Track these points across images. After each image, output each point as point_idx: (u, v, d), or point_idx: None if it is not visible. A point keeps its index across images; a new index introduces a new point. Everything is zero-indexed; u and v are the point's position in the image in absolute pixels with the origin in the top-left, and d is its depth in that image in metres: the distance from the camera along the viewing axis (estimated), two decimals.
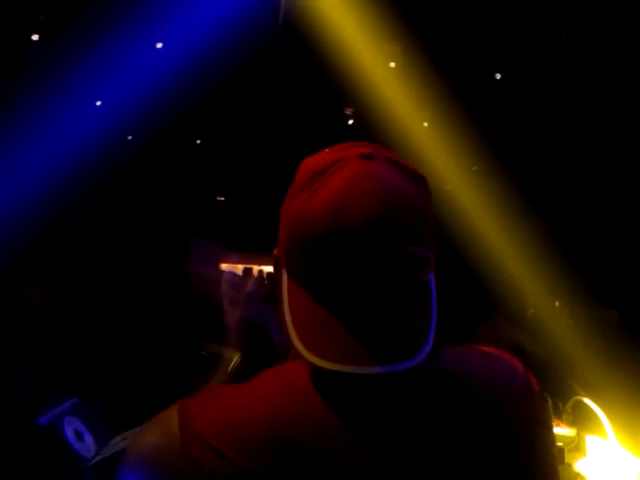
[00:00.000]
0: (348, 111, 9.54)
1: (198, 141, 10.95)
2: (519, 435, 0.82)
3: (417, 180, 0.81)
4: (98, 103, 8.23)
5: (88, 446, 1.82)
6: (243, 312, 1.03)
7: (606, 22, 6.04)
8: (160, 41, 7.71)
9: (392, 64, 7.92)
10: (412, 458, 0.72)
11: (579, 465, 2.59)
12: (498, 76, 7.98)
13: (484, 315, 4.57)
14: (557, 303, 5.88)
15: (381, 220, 0.72)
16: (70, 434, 1.79)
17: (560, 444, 2.49)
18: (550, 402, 3.02)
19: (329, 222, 0.73)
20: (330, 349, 0.69)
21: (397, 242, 0.72)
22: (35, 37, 7.31)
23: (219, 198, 13.37)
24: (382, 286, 0.71)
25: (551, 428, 0.91)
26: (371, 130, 8.51)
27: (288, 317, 0.74)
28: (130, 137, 9.38)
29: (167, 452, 0.76)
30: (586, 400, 2.67)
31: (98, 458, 1.78)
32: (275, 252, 0.83)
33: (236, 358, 1.16)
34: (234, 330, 1.04)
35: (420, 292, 0.75)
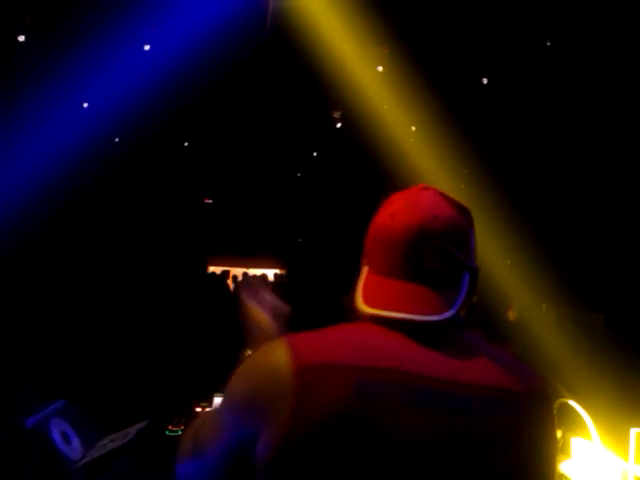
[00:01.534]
0: (336, 114, 9.56)
1: (186, 143, 10.93)
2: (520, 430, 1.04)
3: (459, 207, 1.15)
4: (85, 105, 8.19)
5: (75, 448, 1.81)
6: (269, 319, 1.32)
7: (590, 28, 6.11)
8: (148, 43, 7.68)
9: (380, 68, 7.95)
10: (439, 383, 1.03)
11: (564, 467, 2.60)
12: (485, 80, 8.03)
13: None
14: (544, 306, 5.93)
15: (420, 222, 1.10)
16: (57, 436, 1.78)
17: None
18: None
19: (387, 224, 1.12)
20: (385, 305, 1.07)
21: (428, 237, 1.09)
22: (21, 38, 7.25)
23: (207, 200, 13.35)
24: (418, 267, 1.09)
25: (555, 441, 1.10)
26: (359, 133, 8.53)
27: (359, 293, 1.10)
28: (117, 139, 9.34)
29: (280, 376, 1.00)
30: (571, 402, 2.68)
31: (85, 460, 1.77)
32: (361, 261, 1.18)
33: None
34: (263, 334, 1.28)
35: (448, 279, 1.10)
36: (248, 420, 1.02)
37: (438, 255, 1.09)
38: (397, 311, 1.06)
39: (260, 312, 1.33)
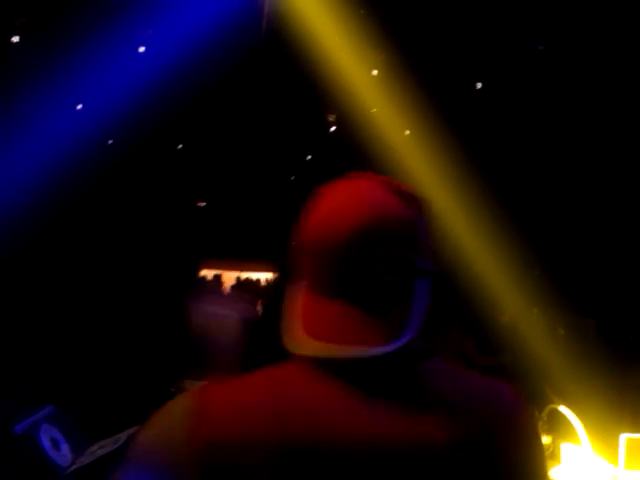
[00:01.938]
0: (331, 118, 9.58)
1: (179, 146, 10.91)
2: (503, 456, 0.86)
3: (406, 198, 0.90)
4: (79, 106, 8.17)
5: (64, 455, 1.80)
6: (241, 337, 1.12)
7: (582, 32, 6.15)
8: (142, 45, 7.67)
9: (375, 72, 7.97)
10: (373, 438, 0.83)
11: (554, 472, 2.61)
12: (479, 85, 8.06)
13: (440, 324, 4.60)
14: (535, 310, 5.95)
15: (357, 226, 0.85)
16: (46, 442, 1.78)
17: None
18: None
19: (317, 230, 0.88)
20: (325, 334, 0.84)
21: (372, 244, 0.86)
22: (15, 39, 7.23)
23: (200, 204, 13.32)
24: (362, 283, 0.86)
25: (542, 457, 0.93)
26: (353, 137, 8.55)
27: (286, 318, 0.88)
28: (111, 141, 9.32)
29: (173, 440, 0.83)
30: (561, 408, 2.69)
31: (74, 467, 1.76)
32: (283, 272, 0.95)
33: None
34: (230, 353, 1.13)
35: (401, 294, 0.87)
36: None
37: (386, 265, 0.85)
38: (338, 347, 0.83)
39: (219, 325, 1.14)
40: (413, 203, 0.92)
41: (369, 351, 0.83)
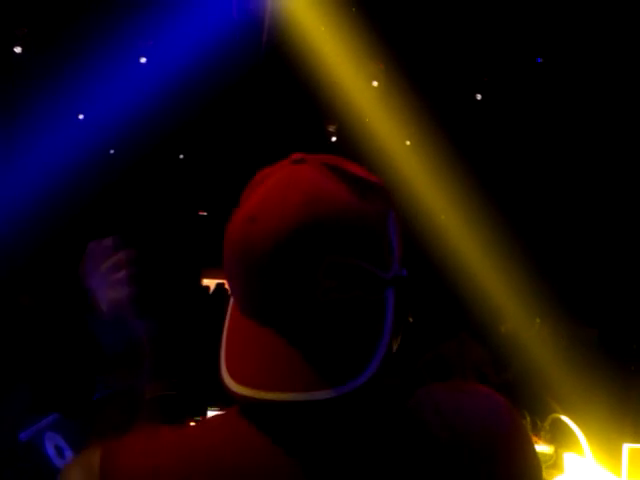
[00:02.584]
0: (331, 128, 9.61)
1: (181, 156, 10.94)
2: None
3: (364, 188, 0.68)
4: (81, 116, 8.20)
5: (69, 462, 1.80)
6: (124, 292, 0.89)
7: (582, 45, 6.18)
8: (144, 56, 7.71)
9: (375, 83, 8.01)
10: None
11: None
12: (479, 96, 8.09)
13: (451, 332, 4.61)
14: (537, 320, 5.94)
15: (296, 227, 0.63)
16: (51, 450, 1.77)
17: None
18: (528, 419, 3.05)
19: (243, 232, 0.67)
20: (252, 374, 0.63)
21: (314, 251, 0.63)
22: (18, 50, 7.27)
23: (201, 213, 13.34)
24: (305, 302, 0.63)
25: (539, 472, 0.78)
26: (354, 147, 8.57)
27: (222, 352, 0.67)
28: (112, 151, 9.35)
29: None
30: (564, 418, 2.69)
31: None
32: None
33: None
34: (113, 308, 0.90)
35: (361, 312, 0.65)
36: None
37: (335, 279, 0.63)
38: (268, 391, 0.61)
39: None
40: (376, 195, 0.69)
41: (306, 396, 0.60)
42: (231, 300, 0.70)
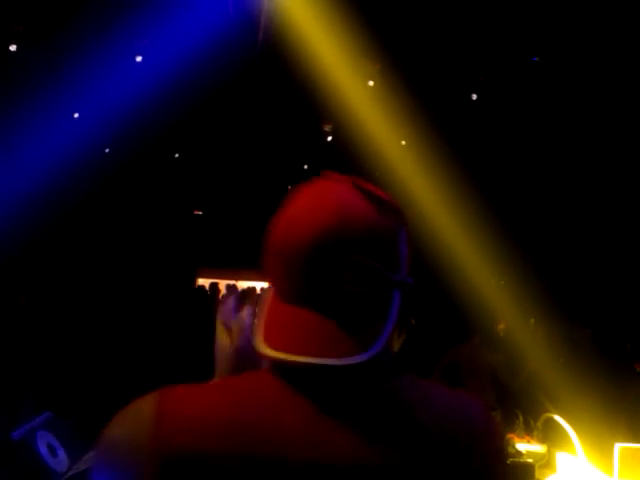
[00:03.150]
0: (327, 128, 9.61)
1: (176, 155, 10.93)
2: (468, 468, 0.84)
3: (380, 204, 0.86)
4: (75, 115, 8.18)
5: (61, 461, 1.80)
6: (236, 341, 1.03)
7: (577, 44, 6.19)
8: (140, 55, 7.70)
9: (371, 83, 8.02)
10: (346, 452, 0.80)
11: None
12: (474, 96, 8.10)
13: (464, 336, 4.65)
14: (532, 320, 5.96)
15: (324, 230, 0.81)
16: (43, 449, 1.77)
17: (530, 460, 2.52)
18: (521, 419, 3.06)
19: (286, 234, 0.84)
20: (285, 345, 0.80)
21: (340, 250, 0.81)
22: (13, 47, 7.25)
23: (197, 212, 13.33)
24: (327, 290, 0.82)
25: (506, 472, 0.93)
26: (349, 147, 8.58)
27: (259, 326, 0.84)
28: (107, 150, 9.33)
29: (137, 444, 0.80)
30: (557, 417, 2.70)
31: (71, 473, 1.76)
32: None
33: None
34: (224, 358, 1.03)
35: (370, 305, 0.83)
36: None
37: (354, 273, 0.81)
38: (299, 355, 0.79)
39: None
40: (392, 213, 0.87)
41: (327, 362, 0.78)
42: (266, 291, 0.89)
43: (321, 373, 0.80)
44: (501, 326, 4.93)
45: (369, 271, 0.82)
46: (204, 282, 9.95)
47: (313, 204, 0.84)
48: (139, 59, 7.69)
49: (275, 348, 0.80)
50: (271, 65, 7.80)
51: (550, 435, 2.91)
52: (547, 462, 2.78)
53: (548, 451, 2.85)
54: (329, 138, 9.80)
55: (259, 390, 0.83)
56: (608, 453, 2.59)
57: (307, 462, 0.78)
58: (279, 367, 0.82)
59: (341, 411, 0.81)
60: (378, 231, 0.84)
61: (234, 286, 9.58)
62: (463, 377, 4.41)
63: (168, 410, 0.81)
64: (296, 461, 0.78)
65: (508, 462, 2.29)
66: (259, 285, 11.39)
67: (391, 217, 0.87)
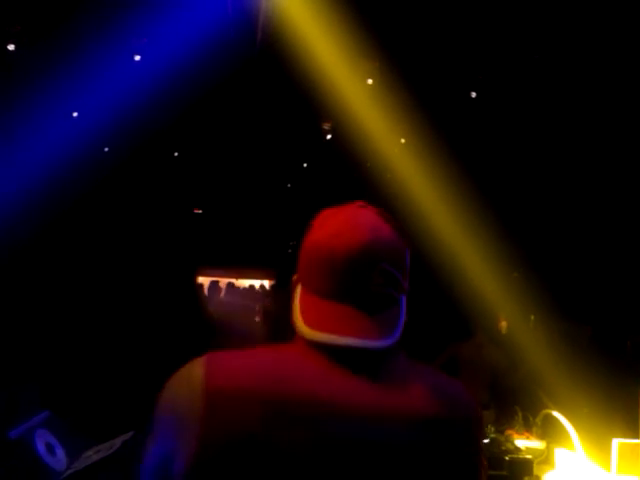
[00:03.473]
0: (326, 126, 9.61)
1: (176, 153, 10.93)
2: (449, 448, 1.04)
3: (397, 228, 1.11)
4: (75, 114, 8.18)
5: (60, 460, 1.81)
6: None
7: (578, 41, 6.19)
8: (138, 54, 7.69)
9: (370, 81, 8.01)
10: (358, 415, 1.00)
11: (548, 477, 2.63)
12: (474, 94, 8.09)
13: (468, 334, 4.67)
14: (532, 317, 5.97)
15: (363, 244, 1.04)
16: (41, 447, 1.78)
17: (529, 457, 2.53)
18: (520, 415, 3.07)
19: (329, 244, 1.06)
20: (325, 328, 1.02)
21: (373, 260, 1.04)
22: (11, 47, 7.25)
23: (196, 211, 13.34)
24: (362, 290, 1.04)
25: (480, 459, 1.10)
26: (348, 145, 8.57)
27: (298, 313, 1.07)
28: (107, 149, 9.34)
29: (190, 393, 1.00)
30: (555, 414, 2.71)
31: (70, 472, 1.76)
32: (294, 277, 1.15)
33: None
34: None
35: (390, 304, 1.07)
36: (168, 432, 1.02)
37: (383, 279, 1.05)
38: (339, 335, 1.01)
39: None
40: (402, 233, 1.13)
41: (362, 343, 1.01)
42: (298, 290, 1.10)
43: (352, 350, 1.02)
44: (502, 323, 4.94)
45: (392, 278, 1.06)
46: (204, 280, 9.96)
47: (352, 224, 1.07)
48: (137, 58, 7.69)
49: (317, 330, 1.02)
50: (270, 64, 7.80)
51: (549, 431, 2.92)
52: (546, 458, 2.79)
53: (547, 447, 2.86)
54: (328, 136, 9.80)
55: (294, 354, 1.05)
56: (606, 449, 2.60)
57: (326, 404, 0.98)
58: (317, 344, 1.03)
59: (360, 371, 1.02)
60: (397, 248, 1.09)
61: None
62: (461, 374, 4.42)
63: (214, 365, 1.02)
64: (316, 402, 0.98)
65: (497, 450, 2.48)
66: (257, 283, 11.41)
67: (402, 239, 1.11)
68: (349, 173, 9.74)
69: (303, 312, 1.06)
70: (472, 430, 1.07)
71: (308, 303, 1.07)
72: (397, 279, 1.07)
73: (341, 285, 1.04)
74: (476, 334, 4.67)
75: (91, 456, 1.84)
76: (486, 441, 2.72)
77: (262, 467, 0.96)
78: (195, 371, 1.02)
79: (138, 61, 7.65)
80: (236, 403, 0.98)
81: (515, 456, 2.48)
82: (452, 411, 1.05)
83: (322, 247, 1.07)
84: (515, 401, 3.37)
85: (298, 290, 1.11)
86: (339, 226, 1.08)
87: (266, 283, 12.03)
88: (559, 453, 2.72)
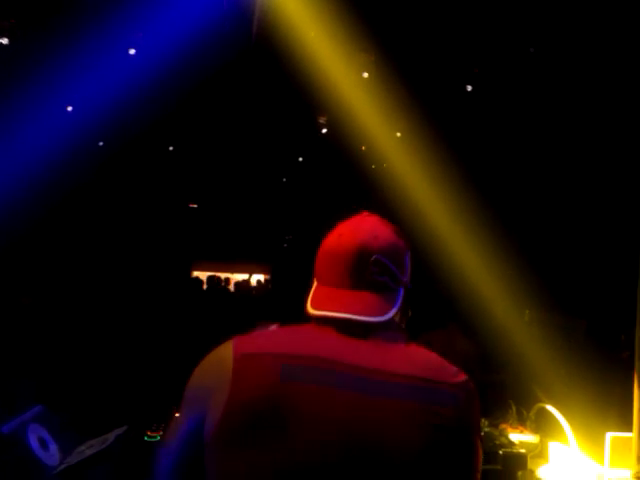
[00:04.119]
0: (322, 120, 9.59)
1: (170, 147, 10.90)
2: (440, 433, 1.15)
3: (397, 232, 1.35)
4: (69, 108, 8.15)
5: (53, 455, 1.80)
6: None
7: (574, 35, 6.18)
8: (133, 47, 7.66)
9: (365, 74, 7.99)
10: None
11: (541, 471, 2.63)
12: (469, 88, 8.08)
13: (440, 322, 4.64)
14: (527, 312, 5.98)
15: (362, 240, 1.28)
16: (34, 442, 1.77)
17: (523, 451, 2.53)
18: (514, 409, 3.07)
19: (333, 243, 1.31)
20: (329, 306, 1.25)
21: (369, 253, 1.27)
22: (4, 41, 7.21)
23: (192, 205, 13.32)
24: (360, 277, 1.26)
25: (477, 448, 1.20)
26: (344, 139, 8.57)
27: (308, 300, 1.29)
28: (102, 143, 9.30)
29: (223, 364, 1.19)
30: (549, 407, 2.72)
31: (63, 467, 1.76)
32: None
33: None
34: None
35: (385, 289, 1.28)
36: (199, 404, 1.18)
37: (377, 268, 1.27)
38: (339, 311, 1.24)
39: None
40: (402, 237, 1.35)
41: (360, 317, 1.23)
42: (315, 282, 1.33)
43: (353, 322, 1.22)
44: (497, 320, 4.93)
45: (386, 268, 1.28)
46: (201, 275, 9.95)
47: (355, 227, 1.32)
48: (132, 52, 7.65)
49: (322, 309, 1.24)
50: (265, 57, 7.77)
51: (542, 425, 2.93)
52: (540, 452, 2.79)
53: (541, 441, 2.86)
54: (324, 130, 9.78)
55: (308, 328, 1.25)
56: (600, 442, 2.61)
57: (334, 360, 1.17)
58: (325, 320, 1.24)
59: (362, 338, 1.21)
60: (395, 247, 1.31)
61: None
62: None
63: (241, 341, 1.22)
64: (326, 359, 1.17)
65: (491, 444, 2.54)
66: (255, 277, 11.41)
67: (402, 241, 1.34)
68: (345, 167, 9.73)
69: (312, 299, 1.29)
70: (464, 397, 1.18)
71: (316, 292, 1.30)
72: (392, 270, 1.28)
73: (343, 275, 1.27)
74: (449, 323, 4.63)
75: (84, 451, 1.84)
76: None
77: (280, 422, 1.11)
78: (224, 347, 1.22)
79: (133, 54, 7.61)
80: (259, 364, 1.16)
81: (509, 450, 2.48)
82: (444, 377, 1.18)
83: (329, 247, 1.32)
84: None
85: (314, 285, 1.33)
86: (344, 230, 1.33)
87: (262, 278, 12.04)
88: (553, 447, 2.72)
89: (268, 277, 12.56)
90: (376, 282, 1.27)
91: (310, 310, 1.27)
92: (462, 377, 1.21)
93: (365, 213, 1.39)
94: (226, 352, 1.20)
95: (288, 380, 1.15)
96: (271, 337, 1.26)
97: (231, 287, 10.15)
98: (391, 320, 1.26)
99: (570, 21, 6.08)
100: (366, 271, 1.26)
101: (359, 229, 1.31)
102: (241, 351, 1.19)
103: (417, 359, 1.21)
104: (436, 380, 1.17)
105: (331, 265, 1.29)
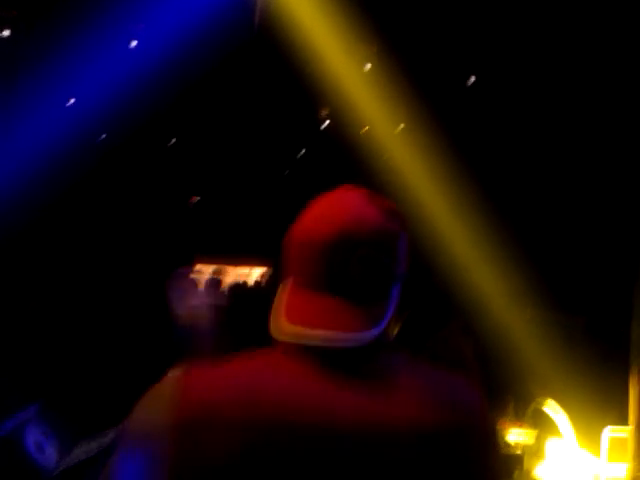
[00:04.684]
0: (324, 112, 9.56)
1: (172, 140, 10.87)
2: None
3: (387, 210, 1.03)
4: (71, 101, 8.13)
5: (49, 457, 1.81)
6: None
7: (581, 27, 6.14)
8: (135, 39, 7.64)
9: (368, 66, 7.96)
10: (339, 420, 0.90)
11: (538, 470, 2.65)
12: (473, 79, 8.05)
13: (440, 322, 4.63)
14: (527, 310, 5.96)
15: (342, 228, 0.97)
16: (31, 445, 1.78)
17: (519, 452, 2.54)
18: (512, 405, 3.09)
19: (309, 231, 1.00)
20: (302, 321, 0.94)
21: (353, 245, 0.96)
22: (6, 33, 7.20)
23: (194, 199, 13.28)
24: (340, 278, 0.96)
25: (497, 454, 1.02)
26: (346, 131, 8.53)
27: (278, 307, 0.97)
28: (103, 136, 9.28)
29: (159, 421, 0.93)
30: (547, 405, 2.73)
31: (60, 469, 1.77)
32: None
33: None
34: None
35: (375, 293, 0.98)
36: (134, 460, 0.94)
37: (363, 265, 0.96)
38: (311, 328, 0.92)
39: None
40: (394, 216, 1.04)
41: (341, 335, 0.93)
42: (286, 280, 1.00)
43: (333, 345, 0.93)
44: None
45: (376, 263, 0.97)
46: (203, 267, 9.96)
47: (333, 209, 1.01)
48: (134, 43, 7.64)
49: (295, 323, 0.93)
50: (267, 48, 7.74)
51: (540, 421, 2.94)
52: (537, 451, 2.81)
53: (539, 437, 2.88)
54: (326, 122, 9.75)
55: (273, 362, 0.95)
56: (598, 438, 2.62)
57: (306, 425, 0.89)
58: (295, 342, 0.94)
59: (347, 372, 0.93)
60: (385, 232, 1.00)
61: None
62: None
63: (186, 387, 0.94)
64: (296, 425, 0.89)
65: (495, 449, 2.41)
66: (256, 271, 11.40)
67: (395, 222, 1.03)
68: (347, 159, 9.70)
69: (278, 305, 0.97)
70: (479, 443, 0.93)
71: (285, 294, 0.98)
72: (382, 265, 0.98)
73: (317, 273, 0.96)
74: (450, 322, 4.61)
75: (82, 452, 1.84)
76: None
77: None
78: (166, 400, 0.93)
79: (135, 46, 7.59)
80: (207, 433, 0.89)
81: (505, 452, 2.49)
82: (454, 421, 0.91)
83: (301, 233, 1.01)
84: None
85: (284, 283, 1.01)
86: (320, 211, 1.02)
87: (264, 270, 12.01)
88: (551, 443, 2.74)
89: (270, 271, 12.51)
90: (363, 284, 0.96)
91: (273, 323, 0.95)
92: (480, 411, 0.95)
93: (346, 187, 1.07)
94: (163, 414, 0.92)
95: (246, 457, 0.89)
96: (225, 385, 0.93)
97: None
98: (383, 333, 0.95)
99: (574, 18, 6.05)
100: (349, 270, 0.95)
101: (337, 211, 1.00)
102: (183, 416, 0.90)
103: (420, 395, 0.93)
104: (446, 429, 0.90)
105: (302, 258, 0.99)
